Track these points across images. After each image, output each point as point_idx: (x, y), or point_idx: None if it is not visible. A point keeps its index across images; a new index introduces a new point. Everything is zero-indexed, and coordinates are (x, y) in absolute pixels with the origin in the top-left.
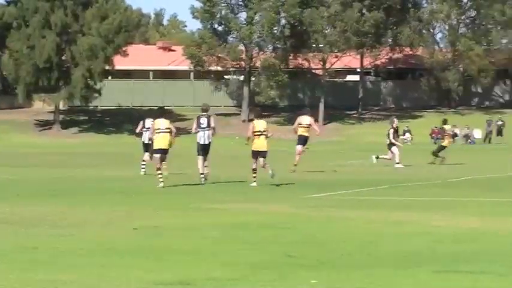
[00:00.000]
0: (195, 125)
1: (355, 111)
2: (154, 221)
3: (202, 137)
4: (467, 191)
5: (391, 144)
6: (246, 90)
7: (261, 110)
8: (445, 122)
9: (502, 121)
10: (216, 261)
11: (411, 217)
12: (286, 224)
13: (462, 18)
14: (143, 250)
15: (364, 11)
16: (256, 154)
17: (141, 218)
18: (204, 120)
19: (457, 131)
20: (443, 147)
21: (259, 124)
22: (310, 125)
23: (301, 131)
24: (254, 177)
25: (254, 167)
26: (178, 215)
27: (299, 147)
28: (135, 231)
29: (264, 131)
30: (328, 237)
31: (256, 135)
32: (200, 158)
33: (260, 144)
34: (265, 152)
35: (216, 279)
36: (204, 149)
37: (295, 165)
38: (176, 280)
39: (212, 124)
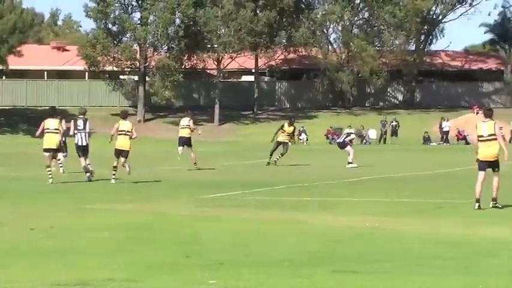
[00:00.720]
0: (72, 127)
1: (251, 112)
2: (49, 221)
3: (80, 139)
4: (364, 191)
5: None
6: (141, 90)
7: (152, 110)
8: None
9: (396, 121)
10: (114, 262)
11: (309, 217)
12: (182, 224)
13: (355, 19)
14: (42, 251)
15: (257, 11)
16: (118, 153)
17: (36, 218)
18: (80, 123)
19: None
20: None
21: (125, 124)
22: (189, 125)
23: (181, 133)
24: (114, 174)
25: (115, 164)
26: (72, 216)
27: (180, 148)
28: (32, 232)
29: (128, 132)
30: (226, 238)
31: (120, 134)
32: (81, 159)
33: (123, 143)
34: (127, 151)
35: (115, 280)
36: (82, 150)
37: (194, 163)
38: (75, 281)
39: (87, 128)
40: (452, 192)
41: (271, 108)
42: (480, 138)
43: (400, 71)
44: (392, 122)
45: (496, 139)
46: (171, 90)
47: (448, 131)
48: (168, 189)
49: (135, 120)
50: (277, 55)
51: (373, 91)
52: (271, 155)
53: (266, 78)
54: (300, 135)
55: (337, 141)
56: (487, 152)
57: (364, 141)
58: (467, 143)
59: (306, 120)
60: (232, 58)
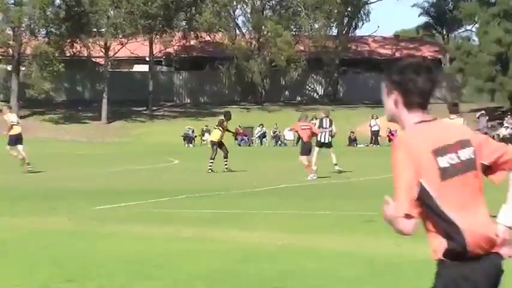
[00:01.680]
0: None
1: (145, 108)
2: None
3: None
4: (280, 202)
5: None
6: (14, 81)
7: (29, 105)
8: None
9: (316, 119)
10: None
11: (211, 232)
12: (65, 242)
13: None
14: None
15: None
16: None
17: None
18: None
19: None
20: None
21: None
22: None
23: (15, 130)
24: None
25: None
26: None
27: (20, 147)
28: None
29: None
30: (117, 257)
31: None
32: None
33: None
34: None
35: None
36: None
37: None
38: None
39: None
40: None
41: (169, 104)
42: None
43: (320, 59)
44: (312, 119)
45: None
46: (50, 81)
47: (378, 131)
48: (43, 198)
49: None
50: (176, 41)
51: (289, 83)
52: (212, 159)
53: (163, 68)
54: (203, 135)
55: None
56: None
57: (279, 142)
58: None
59: (210, 118)
60: (122, 44)
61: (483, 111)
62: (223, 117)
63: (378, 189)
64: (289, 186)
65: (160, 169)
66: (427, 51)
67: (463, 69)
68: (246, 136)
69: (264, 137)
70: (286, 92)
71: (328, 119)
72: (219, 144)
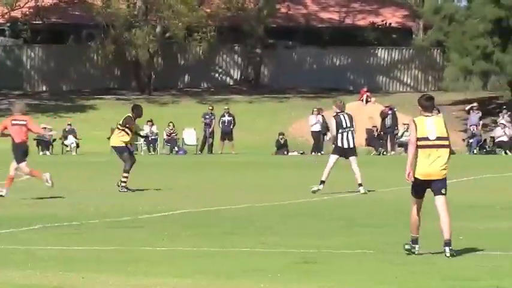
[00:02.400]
0: None
1: None
2: None
3: None
4: (180, 236)
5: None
6: None
7: None
8: None
9: (229, 115)
10: None
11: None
12: None
13: None
14: None
15: None
16: None
17: None
18: None
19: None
20: None
21: None
22: None
23: None
24: None
25: None
26: None
27: None
28: None
29: None
30: None
31: None
32: None
33: None
34: None
35: None
36: None
37: None
38: None
39: None
40: (328, 236)
41: (16, 93)
42: (423, 143)
43: (236, 29)
44: (223, 115)
45: (447, 146)
46: None
47: (320, 132)
48: None
49: None
50: (25, 3)
51: (190, 63)
52: (126, 172)
53: (7, 41)
54: (65, 138)
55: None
56: (431, 165)
57: (176, 148)
58: None
59: (75, 114)
60: None
61: (475, 104)
62: (130, 114)
63: (326, 216)
64: (192, 212)
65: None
66: (391, 16)
67: (443, 42)
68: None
69: (155, 140)
70: (186, 76)
71: (346, 114)
72: (128, 151)
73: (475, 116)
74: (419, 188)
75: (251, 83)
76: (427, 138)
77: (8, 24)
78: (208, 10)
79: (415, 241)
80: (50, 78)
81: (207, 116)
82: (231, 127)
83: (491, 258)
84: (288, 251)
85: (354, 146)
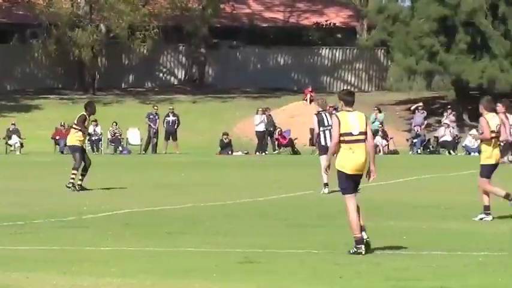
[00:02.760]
0: None
1: None
2: None
3: None
4: (117, 233)
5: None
6: None
7: None
8: None
9: (174, 115)
10: None
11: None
12: None
13: None
14: None
15: None
16: None
17: None
18: None
19: None
20: None
21: None
22: None
23: None
24: None
25: None
26: None
27: None
28: None
29: None
30: None
31: None
32: None
33: None
34: None
35: None
36: None
37: None
38: None
39: None
40: (273, 236)
41: None
42: (346, 138)
43: (179, 28)
44: (167, 115)
45: (364, 140)
46: None
47: (266, 131)
48: None
49: None
50: None
51: (134, 62)
52: (75, 169)
53: None
54: (9, 138)
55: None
56: (356, 159)
57: (120, 148)
58: (295, 152)
59: (19, 114)
60: None
61: (420, 104)
62: (84, 112)
63: (257, 218)
64: (136, 212)
65: None
66: (335, 16)
67: (387, 42)
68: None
69: (99, 140)
70: (130, 76)
71: (328, 113)
72: (82, 150)
73: (420, 116)
74: (352, 183)
75: (195, 82)
76: (350, 134)
77: None
78: (152, 9)
79: (359, 241)
80: None
81: (151, 116)
82: (176, 127)
83: (435, 258)
84: (233, 250)
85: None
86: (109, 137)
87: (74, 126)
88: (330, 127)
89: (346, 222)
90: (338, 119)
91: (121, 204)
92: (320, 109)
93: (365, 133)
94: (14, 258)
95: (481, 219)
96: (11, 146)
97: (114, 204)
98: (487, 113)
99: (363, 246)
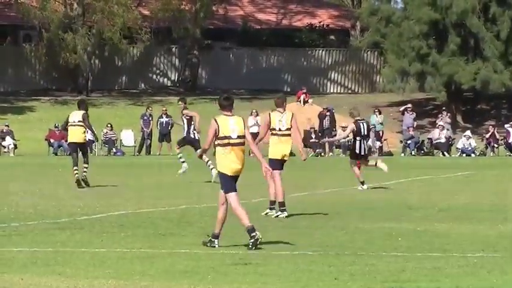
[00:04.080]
0: None
1: None
2: None
3: None
4: (114, 235)
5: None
6: None
7: None
8: None
9: (167, 116)
10: None
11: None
12: None
13: None
14: None
15: None
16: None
17: None
18: None
19: None
20: None
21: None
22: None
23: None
24: None
25: None
26: None
27: None
28: None
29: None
30: None
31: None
32: None
33: None
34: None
35: None
36: None
37: None
38: None
39: None
40: (268, 237)
41: None
42: (225, 141)
43: (170, 30)
44: (161, 117)
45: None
46: None
47: (258, 134)
48: None
49: None
50: None
51: (127, 64)
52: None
53: None
54: (3, 139)
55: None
56: (237, 162)
57: (114, 149)
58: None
59: (13, 116)
60: None
61: (409, 105)
62: (84, 110)
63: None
64: (131, 213)
65: None
66: (327, 19)
67: (380, 44)
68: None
69: (93, 142)
70: (123, 78)
71: (366, 123)
72: (81, 146)
73: (409, 118)
74: (234, 182)
75: (188, 84)
76: (229, 137)
77: None
78: (144, 12)
79: (216, 236)
80: None
81: (145, 117)
82: (169, 128)
83: (430, 260)
84: (228, 252)
85: (366, 154)
86: (102, 138)
87: (82, 124)
88: (366, 137)
89: (338, 223)
90: (217, 122)
91: (115, 206)
92: (359, 118)
93: (243, 137)
94: (7, 260)
95: None
96: (4, 147)
97: (108, 205)
98: None
99: (217, 241)
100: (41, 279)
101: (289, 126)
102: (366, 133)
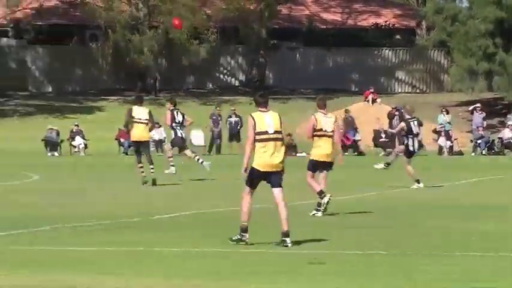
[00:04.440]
0: None
1: None
2: None
3: None
4: (187, 234)
5: None
6: None
7: None
8: None
9: (236, 116)
10: None
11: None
12: None
13: None
14: None
15: None
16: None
17: None
18: None
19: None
20: None
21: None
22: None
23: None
24: None
25: None
26: None
27: None
28: None
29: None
30: None
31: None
32: None
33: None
34: None
35: None
36: None
37: None
38: None
39: None
40: (337, 238)
41: (21, 93)
42: (261, 137)
43: (237, 30)
44: (230, 116)
45: (282, 139)
46: None
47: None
48: None
49: None
50: (27, 1)
51: (194, 64)
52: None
53: (10, 42)
54: (73, 139)
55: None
56: (271, 158)
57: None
58: (360, 153)
59: (82, 116)
60: None
61: (478, 104)
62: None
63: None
64: (204, 213)
65: (12, 189)
66: (393, 18)
67: (446, 42)
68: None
69: (163, 141)
70: (191, 77)
71: (416, 120)
72: (145, 144)
73: (478, 117)
74: (257, 179)
75: (256, 83)
76: (266, 132)
77: (11, 25)
78: (209, 12)
79: (244, 229)
80: (54, 79)
81: (214, 117)
82: (238, 128)
83: (507, 260)
84: (299, 252)
85: (415, 151)
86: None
87: (146, 121)
88: (417, 135)
89: (410, 221)
90: (253, 119)
91: (187, 205)
92: (408, 116)
93: (279, 132)
94: (81, 260)
95: None
96: (75, 147)
97: (180, 205)
98: None
99: (247, 235)
100: (113, 278)
101: (333, 129)
102: (417, 131)
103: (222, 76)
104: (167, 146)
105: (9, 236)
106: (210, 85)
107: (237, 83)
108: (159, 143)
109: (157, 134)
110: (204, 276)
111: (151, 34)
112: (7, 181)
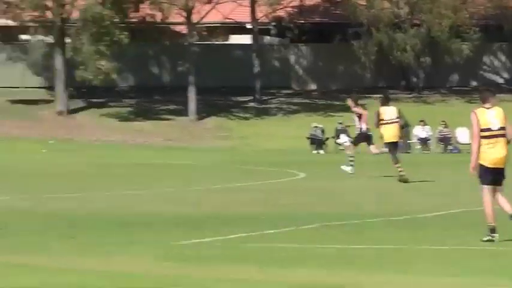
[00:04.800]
0: None
1: (251, 97)
2: None
3: None
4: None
5: None
6: (59, 59)
7: (80, 93)
8: None
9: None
10: None
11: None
12: None
13: None
14: None
15: None
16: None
17: None
18: None
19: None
20: None
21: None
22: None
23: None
24: None
25: None
26: None
27: None
28: None
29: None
30: None
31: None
32: None
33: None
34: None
35: None
36: None
37: None
38: None
39: None
40: None
41: (284, 92)
42: (486, 133)
43: (501, 27)
44: None
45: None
46: (109, 58)
47: None
48: (119, 227)
49: (52, 111)
50: (288, 2)
51: (459, 63)
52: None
53: (273, 40)
54: (337, 137)
55: None
56: (497, 154)
57: (450, 147)
58: None
59: (346, 113)
60: (211, 2)
61: None
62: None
63: None
64: (474, 211)
65: (279, 187)
66: None
67: None
68: (400, 139)
69: (428, 139)
70: (454, 76)
71: None
72: (396, 144)
73: None
74: (491, 176)
75: None
76: (489, 129)
77: (273, 24)
78: (471, 9)
79: (492, 230)
80: (318, 77)
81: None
82: None
83: None
84: None
85: None
86: (438, 135)
87: (397, 120)
88: None
89: None
90: (476, 116)
91: (454, 203)
92: None
93: (505, 128)
94: (353, 257)
95: None
96: (339, 145)
97: (446, 203)
98: None
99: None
100: (383, 276)
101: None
102: None
103: (485, 74)
104: (346, 143)
105: (280, 233)
106: (474, 82)
107: (501, 81)
108: (424, 141)
109: (424, 131)
110: (484, 275)
111: (414, 32)
112: (273, 178)
